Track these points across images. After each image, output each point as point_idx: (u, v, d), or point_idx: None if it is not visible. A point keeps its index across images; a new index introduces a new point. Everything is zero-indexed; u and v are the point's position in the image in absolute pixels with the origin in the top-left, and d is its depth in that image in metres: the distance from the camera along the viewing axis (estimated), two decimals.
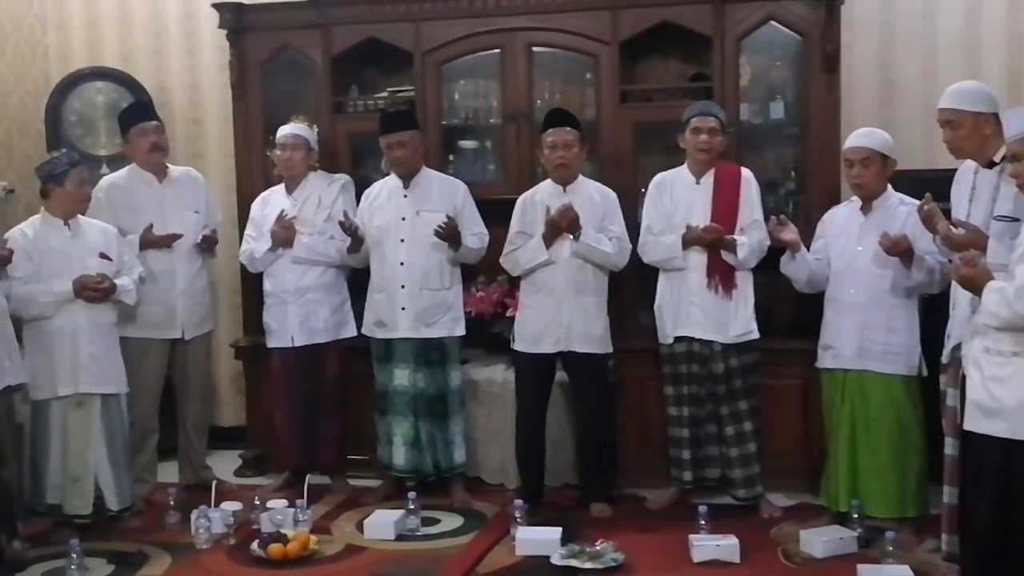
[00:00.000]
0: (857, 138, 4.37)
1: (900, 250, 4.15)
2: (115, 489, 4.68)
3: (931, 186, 4.31)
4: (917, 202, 4.14)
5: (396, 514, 4.70)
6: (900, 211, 4.32)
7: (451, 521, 4.85)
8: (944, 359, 3.96)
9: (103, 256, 4.69)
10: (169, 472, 5.39)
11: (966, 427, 3.43)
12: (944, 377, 3.97)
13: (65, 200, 4.62)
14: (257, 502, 4.80)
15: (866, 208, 4.40)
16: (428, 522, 4.78)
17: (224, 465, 5.66)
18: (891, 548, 4.09)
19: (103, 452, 4.64)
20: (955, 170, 4.70)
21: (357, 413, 5.35)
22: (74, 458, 4.59)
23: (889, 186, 4.40)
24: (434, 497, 5.02)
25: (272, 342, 5.28)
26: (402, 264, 4.98)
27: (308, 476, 4.96)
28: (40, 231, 4.60)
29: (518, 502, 4.58)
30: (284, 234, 5.13)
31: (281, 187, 5.30)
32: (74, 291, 4.52)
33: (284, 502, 4.77)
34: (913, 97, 5.38)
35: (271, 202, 5.28)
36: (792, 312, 5.18)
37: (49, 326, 4.55)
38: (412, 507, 4.70)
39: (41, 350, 4.55)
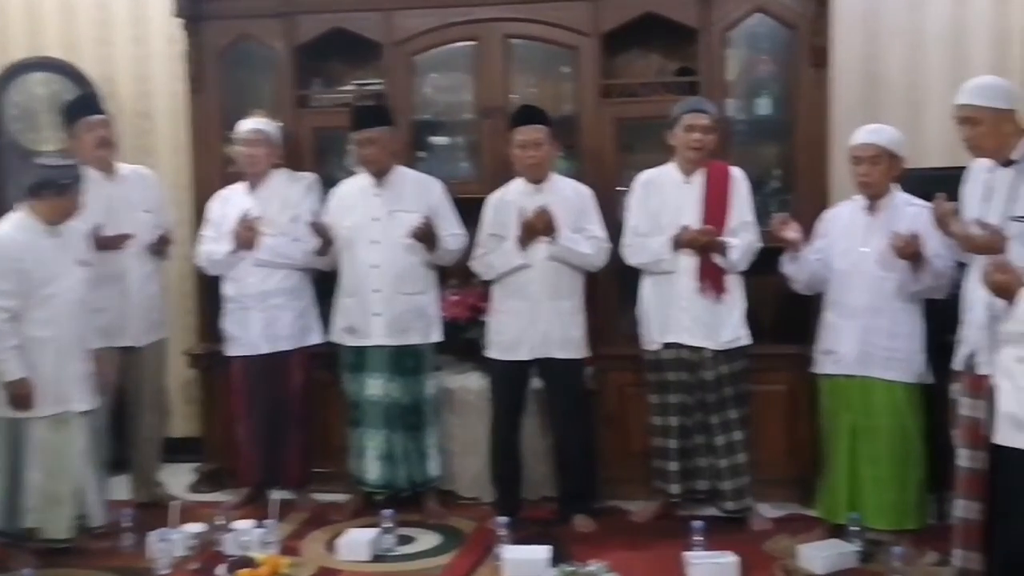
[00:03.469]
0: (866, 135, 4.20)
1: (912, 251, 3.98)
2: (99, 506, 4.44)
3: (918, 185, 4.21)
4: (924, 203, 4.01)
5: (370, 533, 4.44)
6: (907, 212, 4.15)
7: (428, 539, 4.60)
8: (958, 366, 3.79)
9: (84, 263, 4.41)
10: (118, 489, 5.03)
11: (998, 441, 3.27)
12: (958, 385, 3.81)
13: (59, 211, 4.30)
14: (220, 521, 4.50)
15: (872, 208, 4.23)
16: (402, 540, 4.52)
17: (176, 480, 5.36)
18: (896, 563, 3.93)
19: (89, 469, 4.38)
20: (944, 168, 4.63)
21: (321, 424, 5.10)
22: (57, 479, 4.30)
23: (896, 186, 4.23)
24: (406, 512, 4.75)
25: (233, 350, 5.00)
26: (375, 267, 4.73)
27: (274, 492, 4.69)
28: (27, 237, 4.24)
29: (500, 519, 4.34)
30: (247, 235, 4.85)
31: (242, 185, 5.01)
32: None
33: (251, 522, 4.47)
34: (898, 92, 5.27)
35: (231, 201, 4.99)
36: (776, 315, 5.03)
37: (31, 342, 4.21)
38: (387, 525, 4.44)
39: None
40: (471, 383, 5.05)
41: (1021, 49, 5.11)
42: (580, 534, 4.58)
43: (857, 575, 4.07)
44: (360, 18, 5.16)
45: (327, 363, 4.99)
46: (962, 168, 3.98)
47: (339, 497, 5.03)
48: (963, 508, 3.76)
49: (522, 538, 4.32)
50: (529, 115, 4.62)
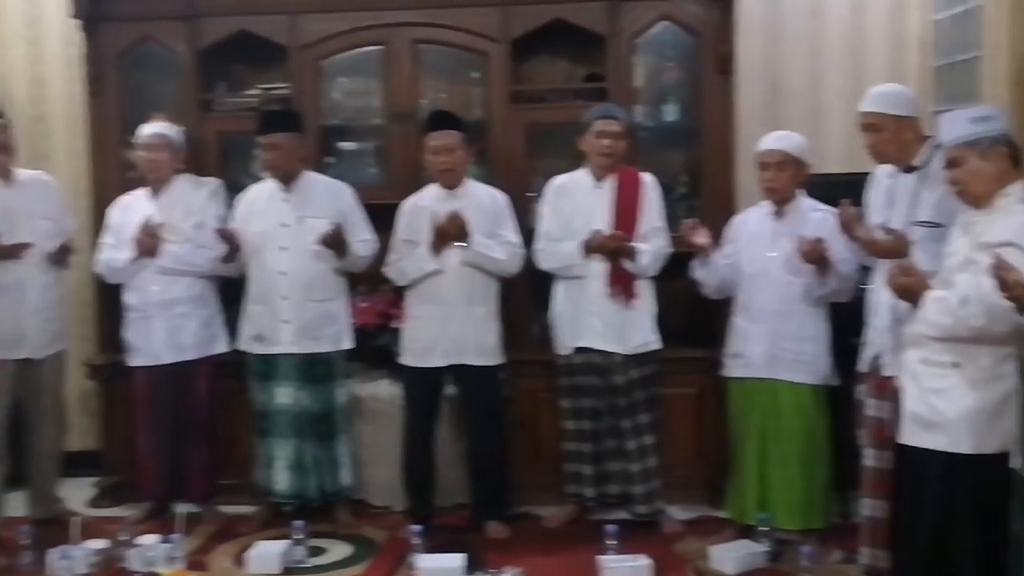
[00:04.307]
0: (773, 141, 4.27)
1: (818, 255, 4.06)
2: None
3: (818, 190, 4.32)
4: (829, 208, 4.09)
5: (280, 545, 4.36)
6: (812, 216, 4.24)
7: (339, 550, 4.54)
8: (863, 368, 3.88)
9: None
10: (15, 505, 4.87)
11: (904, 441, 3.35)
12: (863, 387, 3.90)
13: None
14: (123, 537, 4.37)
15: (778, 213, 4.31)
16: (314, 551, 4.45)
17: (74, 495, 5.20)
18: (805, 562, 4.00)
19: None
20: (844, 174, 4.74)
21: (227, 434, 5.00)
22: None
23: (801, 191, 4.31)
24: (316, 523, 4.67)
25: (136, 360, 4.88)
26: (284, 274, 4.66)
27: (178, 506, 4.59)
28: None
29: (414, 527, 4.30)
30: (149, 242, 4.73)
31: (143, 191, 4.89)
32: None
33: (156, 536, 4.36)
34: (799, 98, 5.39)
35: (133, 207, 4.87)
36: (685, 320, 5.08)
37: None
38: (298, 536, 4.37)
39: None
40: (381, 391, 5.00)
41: (917, 57, 5.26)
42: (493, 541, 4.57)
43: (767, 575, 4.12)
44: (266, 21, 5.08)
45: (233, 372, 4.89)
46: (862, 173, 4.09)
47: (246, 509, 4.93)
48: (869, 507, 3.86)
49: (435, 546, 4.29)
50: (443, 120, 4.60)
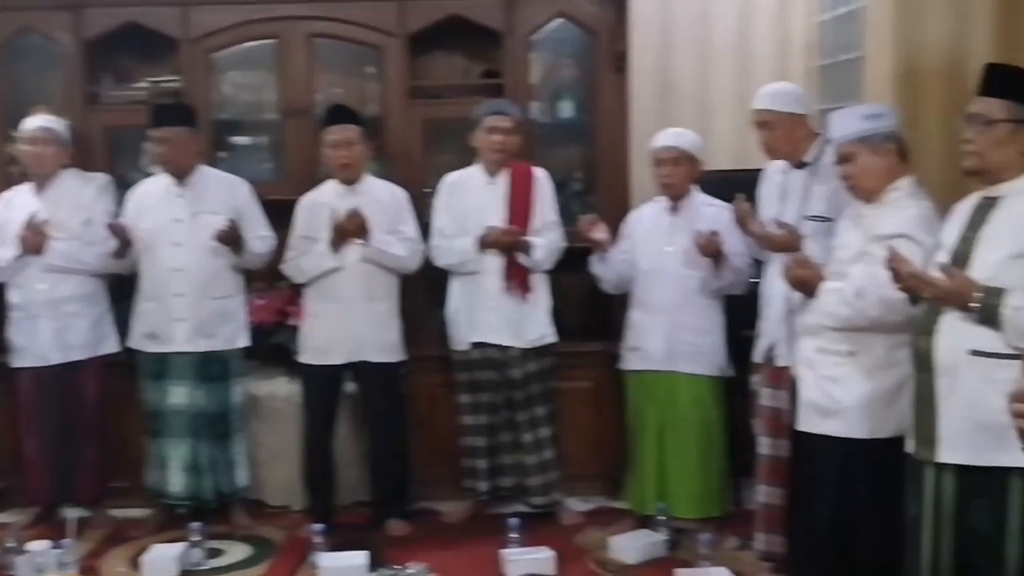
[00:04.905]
0: (668, 138, 4.35)
1: (713, 249, 4.14)
2: None
3: (706, 186, 4.40)
4: (722, 203, 4.18)
5: (176, 548, 4.27)
6: (707, 211, 4.32)
7: (237, 551, 4.47)
8: (758, 358, 3.98)
9: None
10: None
11: (801, 428, 3.44)
12: (758, 376, 4.00)
13: None
14: (11, 544, 4.22)
15: (674, 209, 4.39)
16: (211, 554, 4.38)
17: None
18: (703, 549, 4.08)
19: None
20: (732, 171, 4.86)
21: (117, 435, 4.86)
22: None
23: (695, 187, 4.40)
24: (211, 525, 4.57)
25: (20, 361, 4.71)
26: (178, 270, 4.56)
27: (67, 510, 4.46)
28: None
29: (315, 526, 4.26)
30: (34, 239, 4.57)
31: (27, 186, 4.73)
32: None
33: (46, 542, 4.21)
34: (689, 99, 5.45)
35: (16, 204, 4.69)
36: (583, 314, 5.14)
37: None
38: (195, 538, 4.29)
39: None
40: (279, 389, 4.93)
41: (802, 58, 5.40)
42: (395, 538, 4.56)
43: (666, 563, 4.18)
44: (155, 12, 4.97)
45: (123, 372, 4.76)
46: (749, 170, 4.19)
47: (138, 512, 4.82)
48: (765, 493, 3.96)
49: (337, 545, 4.26)
50: (341, 114, 4.56)
